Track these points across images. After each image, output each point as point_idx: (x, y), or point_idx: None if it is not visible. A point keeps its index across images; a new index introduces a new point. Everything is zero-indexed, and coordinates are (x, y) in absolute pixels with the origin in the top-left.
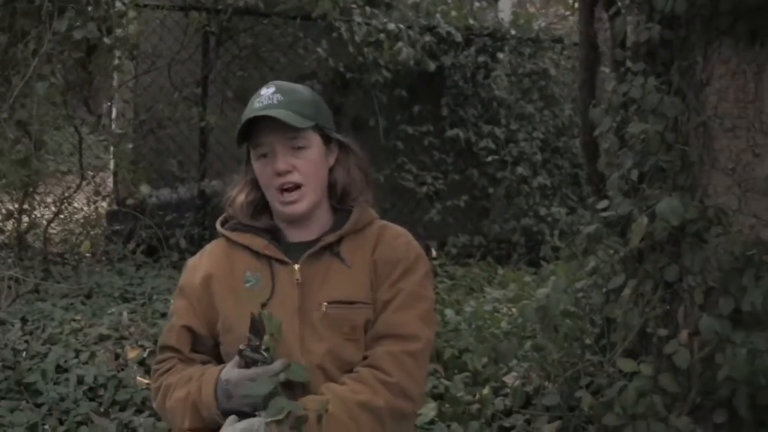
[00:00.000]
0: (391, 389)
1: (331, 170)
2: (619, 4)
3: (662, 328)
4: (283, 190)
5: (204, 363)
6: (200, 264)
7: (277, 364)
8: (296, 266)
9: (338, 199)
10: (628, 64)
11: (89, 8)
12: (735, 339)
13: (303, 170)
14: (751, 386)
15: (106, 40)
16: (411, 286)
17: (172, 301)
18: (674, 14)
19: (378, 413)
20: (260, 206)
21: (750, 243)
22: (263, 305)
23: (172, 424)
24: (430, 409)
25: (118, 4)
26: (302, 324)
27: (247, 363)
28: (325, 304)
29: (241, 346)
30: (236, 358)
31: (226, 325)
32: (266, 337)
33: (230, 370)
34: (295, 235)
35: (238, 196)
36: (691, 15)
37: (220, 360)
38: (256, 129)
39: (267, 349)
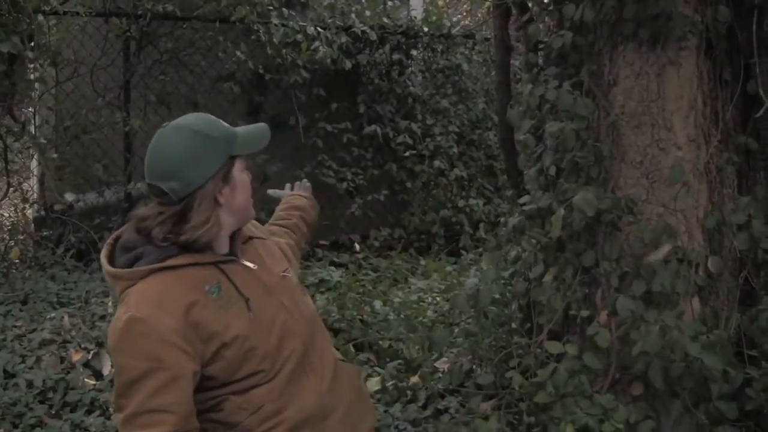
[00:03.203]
0: None
1: None
2: (532, 11)
3: (583, 310)
4: None
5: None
6: (160, 307)
7: None
8: (241, 258)
9: None
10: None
11: (10, 19)
12: (648, 317)
13: None
14: (664, 359)
15: (30, 54)
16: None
17: (133, 364)
18: (583, 21)
19: None
20: None
21: (658, 229)
22: (247, 300)
23: None
24: (373, 384)
25: (39, 17)
26: (276, 295)
27: None
28: (284, 272)
29: None
30: None
31: (226, 337)
32: None
33: None
34: (222, 247)
35: (218, 231)
36: (598, 22)
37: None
38: (244, 144)
39: None
